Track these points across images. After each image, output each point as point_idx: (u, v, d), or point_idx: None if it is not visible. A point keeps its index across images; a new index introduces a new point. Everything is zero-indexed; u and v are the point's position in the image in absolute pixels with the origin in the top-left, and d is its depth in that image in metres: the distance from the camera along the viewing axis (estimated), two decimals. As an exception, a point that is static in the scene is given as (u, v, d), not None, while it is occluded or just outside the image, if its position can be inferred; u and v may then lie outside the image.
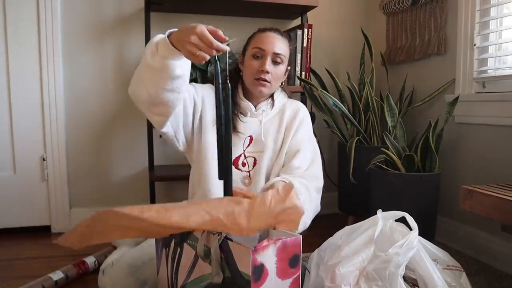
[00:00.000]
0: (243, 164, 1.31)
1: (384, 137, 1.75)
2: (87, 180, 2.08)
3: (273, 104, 1.36)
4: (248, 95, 1.34)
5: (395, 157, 1.72)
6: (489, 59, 1.72)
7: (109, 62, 2.05)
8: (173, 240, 1.07)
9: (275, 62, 1.29)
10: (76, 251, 1.77)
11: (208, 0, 1.89)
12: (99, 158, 2.09)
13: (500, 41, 1.67)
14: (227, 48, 0.96)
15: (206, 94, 1.31)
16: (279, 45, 1.29)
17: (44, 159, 2.00)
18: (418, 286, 0.98)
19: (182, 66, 1.06)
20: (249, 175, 1.31)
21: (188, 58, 0.99)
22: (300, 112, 1.39)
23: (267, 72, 1.27)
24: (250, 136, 1.33)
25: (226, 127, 0.95)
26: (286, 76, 1.39)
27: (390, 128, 1.86)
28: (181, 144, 1.30)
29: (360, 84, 2.15)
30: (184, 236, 1.03)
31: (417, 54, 2.02)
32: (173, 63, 1.02)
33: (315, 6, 1.99)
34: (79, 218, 2.06)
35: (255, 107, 1.34)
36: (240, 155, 1.32)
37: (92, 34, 2.03)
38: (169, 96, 1.10)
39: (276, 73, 1.29)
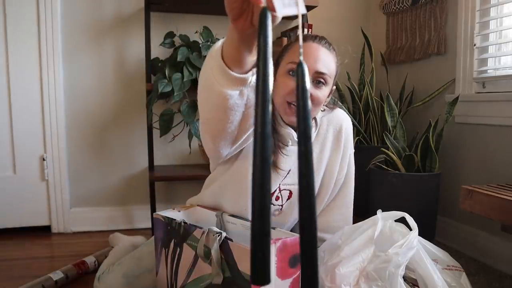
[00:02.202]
0: (277, 198, 1.13)
1: (384, 137, 1.75)
2: (87, 180, 2.08)
3: (316, 126, 1.13)
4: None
5: (395, 157, 1.72)
6: (489, 59, 1.71)
7: (109, 62, 2.05)
8: (173, 240, 1.07)
9: (317, 83, 1.02)
10: (76, 251, 1.77)
11: (208, 0, 1.89)
12: (99, 158, 2.09)
13: (500, 41, 1.67)
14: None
15: None
16: (324, 61, 1.02)
17: (44, 159, 2.00)
18: (418, 286, 0.98)
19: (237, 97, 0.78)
20: (281, 207, 1.14)
21: (236, 27, 0.59)
22: (343, 126, 1.17)
23: None
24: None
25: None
26: (330, 98, 1.13)
27: (390, 128, 1.86)
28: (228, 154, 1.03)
29: (360, 84, 2.15)
30: (184, 236, 1.03)
31: (417, 54, 2.02)
32: (227, 92, 0.76)
33: (315, 6, 1.99)
34: (79, 218, 2.07)
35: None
36: (275, 190, 1.12)
37: (92, 34, 2.03)
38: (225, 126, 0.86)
39: (318, 97, 1.03)
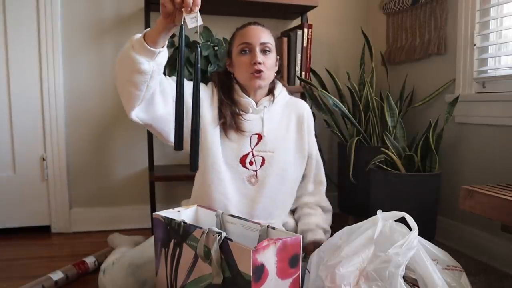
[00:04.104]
0: (251, 163, 1.30)
1: (384, 137, 1.75)
2: (87, 180, 2.08)
3: (273, 100, 1.36)
4: (247, 93, 1.34)
5: (395, 157, 1.72)
6: (489, 59, 1.71)
7: (109, 62, 2.05)
8: (172, 240, 1.07)
9: (264, 52, 1.29)
10: (76, 251, 1.77)
11: (208, 0, 1.88)
12: (99, 158, 2.09)
13: (500, 41, 1.67)
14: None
15: (202, 96, 1.29)
16: (263, 35, 1.30)
17: (44, 159, 2.00)
18: (418, 286, 0.98)
19: (149, 64, 1.05)
20: (256, 174, 1.30)
21: (164, 16, 0.97)
22: (306, 111, 1.42)
23: (260, 63, 1.27)
24: (258, 134, 1.32)
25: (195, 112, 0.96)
26: (277, 66, 1.39)
27: (390, 128, 1.86)
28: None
29: (360, 84, 2.15)
30: (183, 236, 1.03)
31: (417, 54, 2.02)
32: (140, 58, 1.03)
33: (315, 6, 1.99)
34: (79, 218, 2.07)
35: (256, 103, 1.33)
36: (248, 154, 1.30)
37: (92, 34, 2.03)
38: (131, 89, 1.09)
39: (268, 62, 1.30)
